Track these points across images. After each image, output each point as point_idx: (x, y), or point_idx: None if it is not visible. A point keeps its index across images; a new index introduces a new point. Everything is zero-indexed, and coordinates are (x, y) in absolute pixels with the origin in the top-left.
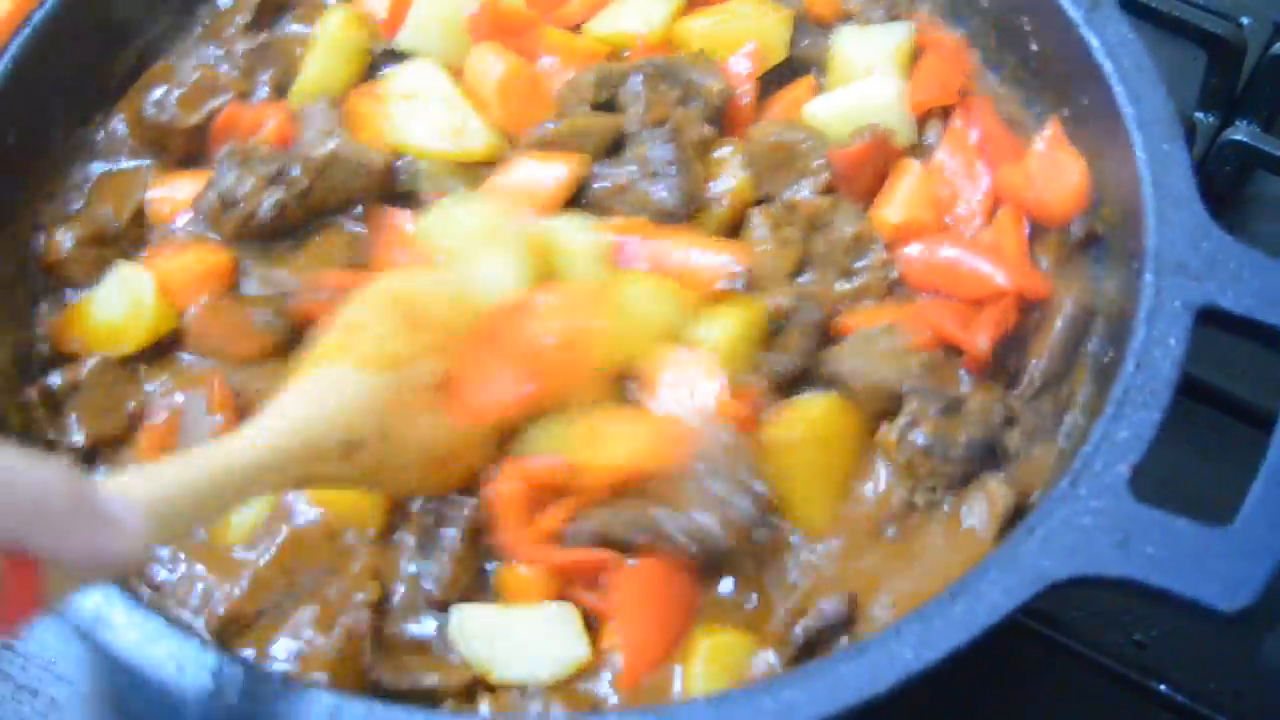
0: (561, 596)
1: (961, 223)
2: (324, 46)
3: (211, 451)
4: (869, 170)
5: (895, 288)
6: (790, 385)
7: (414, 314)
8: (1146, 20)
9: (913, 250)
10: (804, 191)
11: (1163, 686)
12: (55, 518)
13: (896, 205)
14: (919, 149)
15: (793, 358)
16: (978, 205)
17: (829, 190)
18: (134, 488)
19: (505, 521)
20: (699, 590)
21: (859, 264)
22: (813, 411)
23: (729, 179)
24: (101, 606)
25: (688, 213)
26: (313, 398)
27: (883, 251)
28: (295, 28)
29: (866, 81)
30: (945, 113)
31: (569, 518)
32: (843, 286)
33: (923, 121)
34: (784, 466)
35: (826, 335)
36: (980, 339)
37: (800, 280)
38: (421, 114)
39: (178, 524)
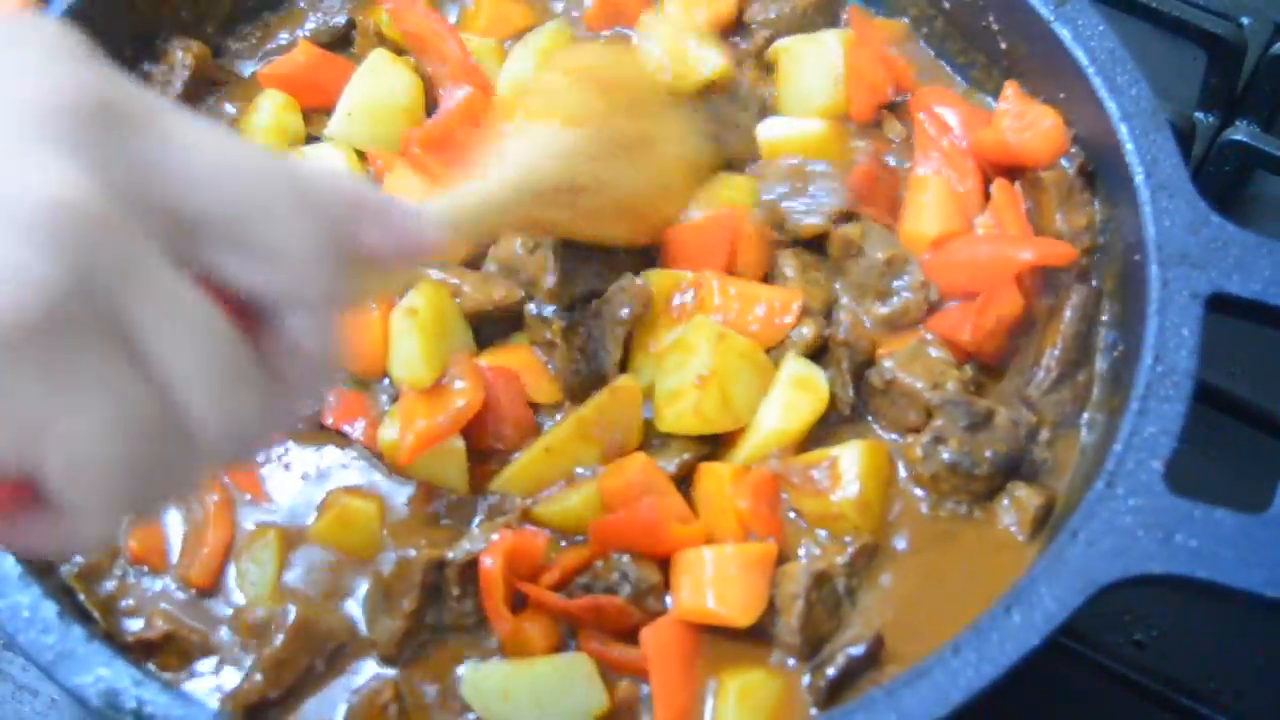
0: (578, 649)
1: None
2: (257, 136)
3: (465, 189)
4: (881, 188)
5: (937, 306)
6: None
7: (602, 78)
8: (1146, 20)
9: (931, 262)
10: (814, 218)
11: (1163, 687)
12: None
13: (929, 219)
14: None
15: (842, 410)
16: (971, 186)
17: (848, 217)
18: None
19: (492, 593)
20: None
21: (895, 284)
22: (860, 463)
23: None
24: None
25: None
26: (535, 146)
27: (919, 272)
28: (227, 107)
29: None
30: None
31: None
32: (880, 310)
33: (879, 122)
34: (853, 521)
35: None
36: (966, 328)
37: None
38: None
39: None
